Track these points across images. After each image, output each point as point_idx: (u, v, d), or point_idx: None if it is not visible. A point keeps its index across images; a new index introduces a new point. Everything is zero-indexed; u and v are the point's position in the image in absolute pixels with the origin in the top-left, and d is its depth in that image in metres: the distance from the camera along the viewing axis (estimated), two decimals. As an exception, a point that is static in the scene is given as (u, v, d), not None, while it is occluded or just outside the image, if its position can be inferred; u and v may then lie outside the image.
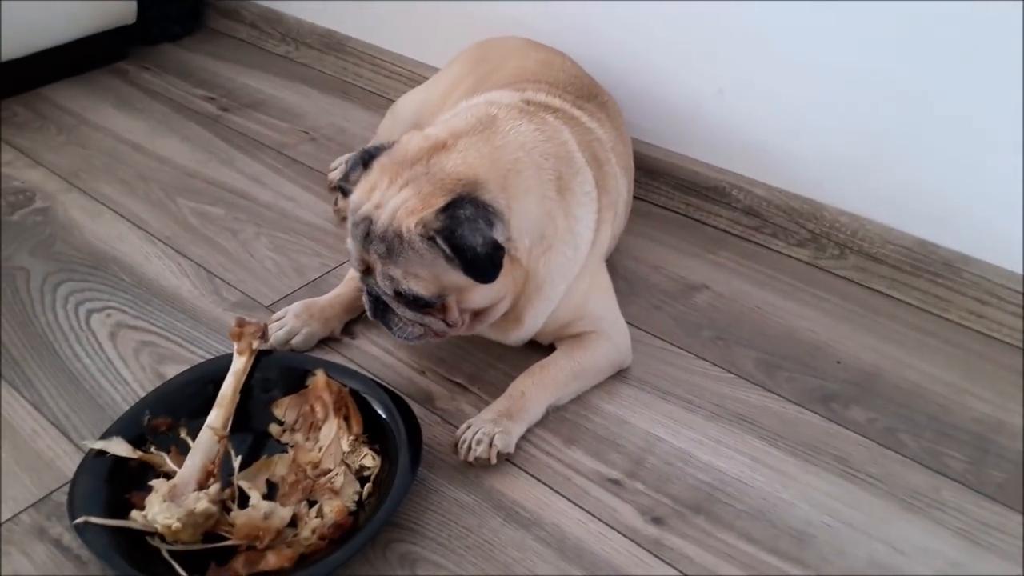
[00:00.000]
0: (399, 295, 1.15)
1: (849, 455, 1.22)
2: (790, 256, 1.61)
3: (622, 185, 1.39)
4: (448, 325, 1.19)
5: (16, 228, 1.64)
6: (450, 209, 1.07)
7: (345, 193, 1.20)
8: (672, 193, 1.72)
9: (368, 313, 1.24)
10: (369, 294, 1.21)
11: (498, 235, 1.10)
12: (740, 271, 1.57)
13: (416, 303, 1.15)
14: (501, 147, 1.16)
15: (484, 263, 1.08)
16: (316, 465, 1.14)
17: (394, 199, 1.11)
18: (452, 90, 1.57)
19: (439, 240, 1.07)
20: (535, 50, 1.59)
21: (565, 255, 1.23)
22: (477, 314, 1.21)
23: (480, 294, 1.16)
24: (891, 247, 1.50)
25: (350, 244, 1.17)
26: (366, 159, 1.18)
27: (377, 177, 1.14)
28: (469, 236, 1.07)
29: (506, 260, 1.13)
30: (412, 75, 2.04)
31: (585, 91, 1.43)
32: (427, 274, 1.11)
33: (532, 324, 1.27)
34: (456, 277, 1.11)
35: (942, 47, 1.34)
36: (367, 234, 1.13)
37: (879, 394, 1.32)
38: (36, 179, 1.78)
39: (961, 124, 1.36)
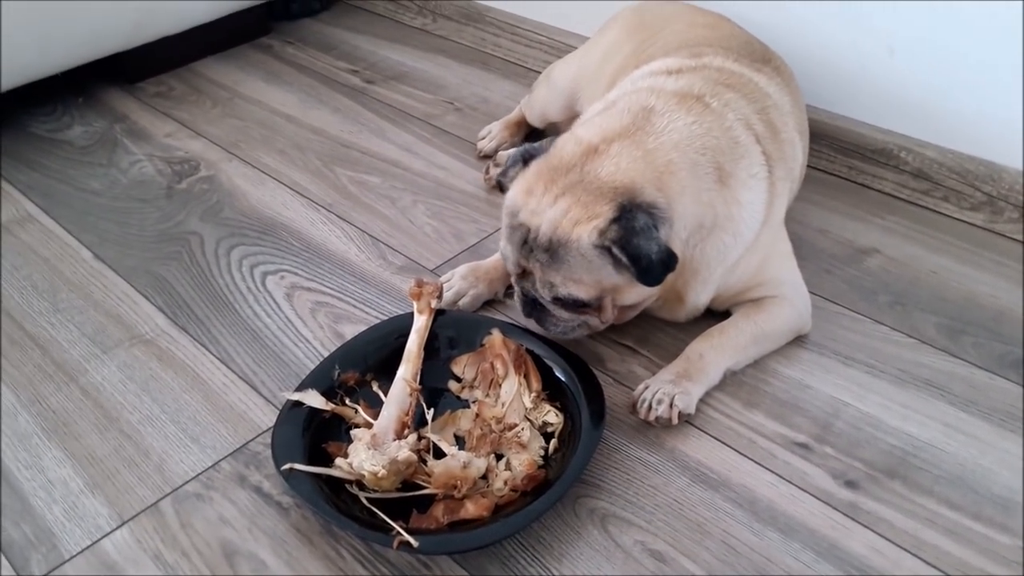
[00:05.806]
0: (557, 299, 1.17)
1: (1048, 423, 1.17)
2: (963, 220, 1.54)
3: (798, 150, 1.36)
4: (601, 322, 1.22)
5: (185, 195, 1.71)
6: (623, 220, 1.09)
7: (503, 188, 1.23)
8: (834, 156, 1.66)
9: (522, 313, 1.26)
10: (524, 295, 1.23)
11: (665, 238, 1.11)
12: (911, 235, 1.52)
13: (574, 305, 1.17)
14: (653, 150, 1.15)
15: (658, 269, 1.10)
16: (500, 420, 1.16)
17: (552, 209, 1.13)
18: (609, 58, 1.55)
19: (615, 249, 1.09)
20: (698, 14, 1.54)
21: (723, 241, 1.21)
22: (627, 307, 1.22)
23: (637, 292, 1.18)
24: (1079, 210, 1.42)
25: (506, 247, 1.19)
26: (526, 158, 1.20)
27: (533, 181, 1.16)
28: (645, 245, 1.08)
29: None
30: (553, 44, 2.03)
31: (758, 54, 1.39)
32: (589, 279, 1.13)
33: (694, 302, 1.27)
34: (617, 279, 1.14)
35: None
36: (525, 241, 1.15)
37: (1074, 362, 1.26)
38: (198, 149, 1.85)
39: None
